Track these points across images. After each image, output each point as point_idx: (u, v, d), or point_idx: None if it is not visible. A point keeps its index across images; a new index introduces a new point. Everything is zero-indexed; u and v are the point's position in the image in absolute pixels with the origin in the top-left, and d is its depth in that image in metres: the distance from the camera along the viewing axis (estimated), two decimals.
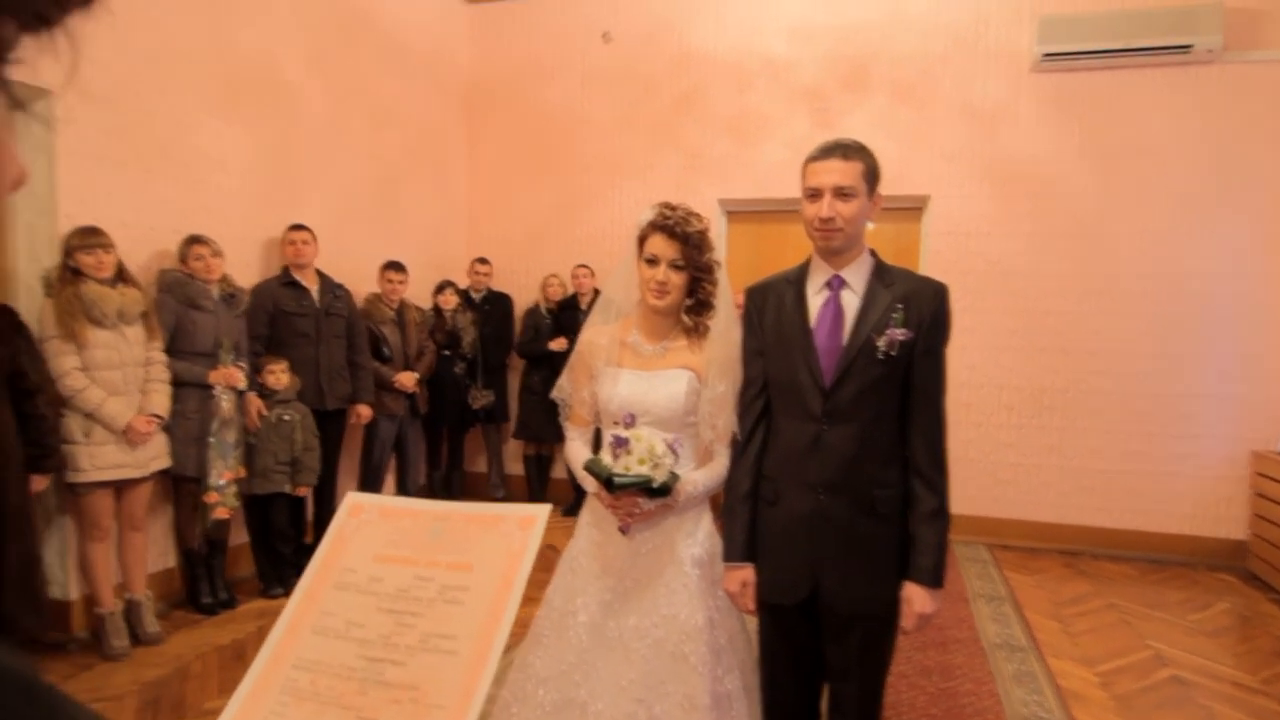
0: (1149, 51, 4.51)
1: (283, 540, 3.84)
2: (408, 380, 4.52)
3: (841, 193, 1.65)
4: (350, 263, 4.62)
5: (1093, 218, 4.82)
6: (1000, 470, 5.00)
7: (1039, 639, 3.55)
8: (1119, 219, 4.78)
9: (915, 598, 1.69)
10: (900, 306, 1.66)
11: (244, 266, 4.00)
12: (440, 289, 5.06)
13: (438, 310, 5.04)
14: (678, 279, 1.83)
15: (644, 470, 1.66)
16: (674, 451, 1.75)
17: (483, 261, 5.44)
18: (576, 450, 1.91)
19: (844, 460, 1.66)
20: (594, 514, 1.88)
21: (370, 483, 4.56)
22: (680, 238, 1.80)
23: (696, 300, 1.89)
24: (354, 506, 0.84)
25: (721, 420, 1.83)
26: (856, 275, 1.73)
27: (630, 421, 1.78)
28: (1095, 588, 4.27)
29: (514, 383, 5.60)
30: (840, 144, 1.68)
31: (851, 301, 1.71)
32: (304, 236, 4.04)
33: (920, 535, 1.69)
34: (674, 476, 1.71)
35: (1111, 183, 4.78)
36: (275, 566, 3.84)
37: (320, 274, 4.15)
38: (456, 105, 5.86)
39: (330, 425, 4.12)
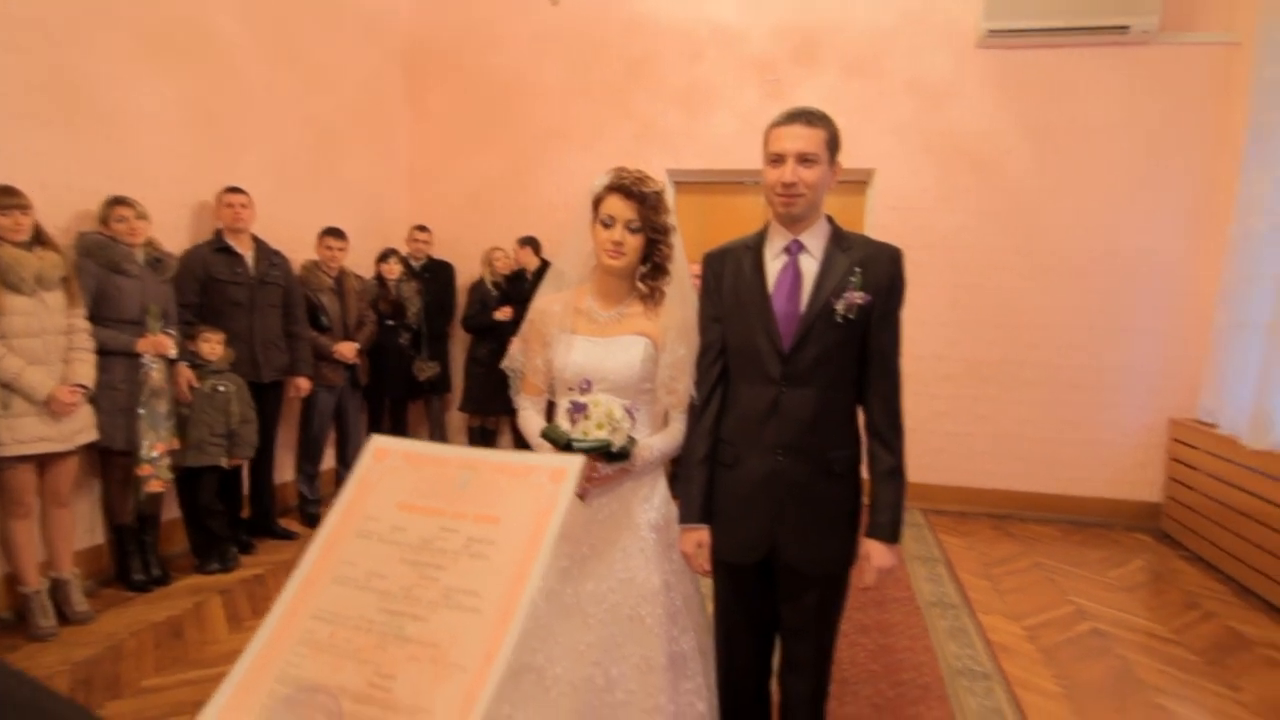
0: (1089, 31, 4.64)
1: (210, 516, 3.70)
2: (348, 350, 4.40)
3: (805, 159, 1.66)
4: (287, 229, 4.45)
5: (1032, 194, 4.96)
6: (935, 438, 5.18)
7: (970, 596, 3.71)
8: (1057, 196, 4.93)
9: (875, 553, 1.75)
10: (858, 270, 1.68)
11: (172, 230, 3.82)
12: (384, 257, 4.92)
13: (381, 279, 4.90)
14: (634, 240, 1.82)
15: (602, 435, 1.66)
16: (631, 416, 1.76)
17: (422, 229, 5.30)
18: (530, 419, 1.90)
19: (802, 423, 1.69)
20: None
21: (308, 455, 4.45)
22: (637, 198, 1.79)
23: (652, 264, 1.88)
24: (379, 451, 0.80)
25: (680, 385, 1.84)
26: (815, 240, 1.74)
27: (587, 387, 1.78)
28: (1022, 548, 4.48)
29: (456, 353, 5.52)
30: (804, 111, 1.69)
31: (810, 266, 1.73)
32: (241, 199, 3.86)
33: (879, 493, 1.75)
34: (632, 440, 1.71)
35: (1050, 160, 4.92)
36: (211, 542, 3.72)
37: (256, 240, 3.99)
38: (398, 66, 5.66)
39: (267, 397, 3.99)
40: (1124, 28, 4.57)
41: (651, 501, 1.85)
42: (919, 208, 5.09)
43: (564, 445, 1.65)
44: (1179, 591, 3.92)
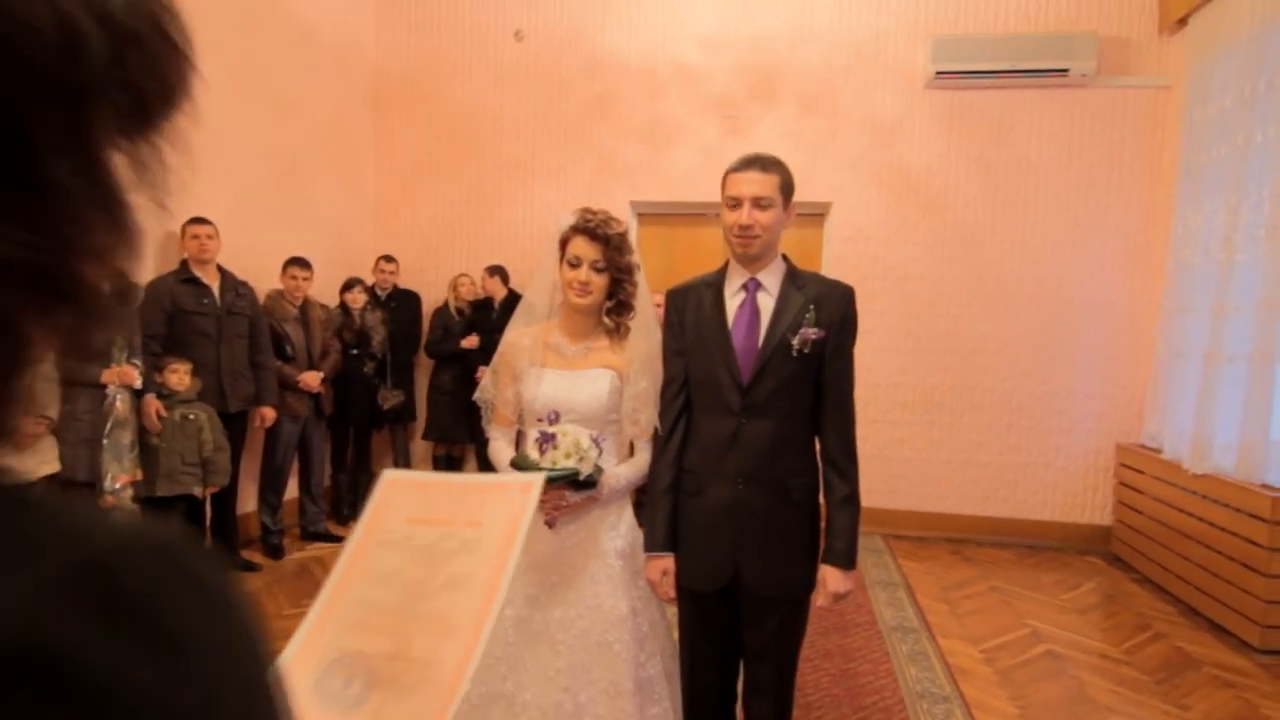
0: (1031, 74, 4.89)
1: None
2: (312, 380, 4.38)
3: (759, 203, 1.76)
4: (252, 259, 4.44)
5: (979, 228, 5.17)
6: (894, 465, 5.30)
7: (930, 620, 3.79)
8: (1002, 230, 5.14)
9: (830, 578, 1.82)
10: (812, 307, 1.78)
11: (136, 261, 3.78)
12: (348, 287, 4.93)
13: (345, 308, 4.90)
14: (599, 280, 1.89)
15: (570, 464, 1.71)
16: (597, 446, 1.81)
17: (389, 259, 5.32)
18: (501, 449, 1.94)
19: (761, 452, 1.77)
20: None
21: (272, 486, 4.39)
22: (601, 239, 1.86)
23: (617, 301, 1.95)
24: (390, 481, 1.01)
25: (644, 416, 1.90)
26: (771, 278, 1.84)
27: (555, 419, 1.83)
28: (979, 572, 4.59)
29: (421, 382, 5.52)
30: (759, 158, 1.79)
31: (767, 303, 1.82)
32: (208, 231, 3.85)
33: (834, 520, 1.83)
34: (599, 469, 1.77)
35: (996, 195, 5.14)
36: None
37: (222, 270, 3.98)
38: (364, 97, 5.71)
39: (233, 427, 3.95)
40: (1064, 71, 4.82)
41: (618, 529, 1.90)
42: (873, 239, 5.26)
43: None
44: (1130, 613, 4.05)
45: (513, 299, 4.90)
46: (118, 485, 3.24)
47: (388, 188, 5.86)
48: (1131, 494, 4.79)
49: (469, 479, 1.01)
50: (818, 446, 1.88)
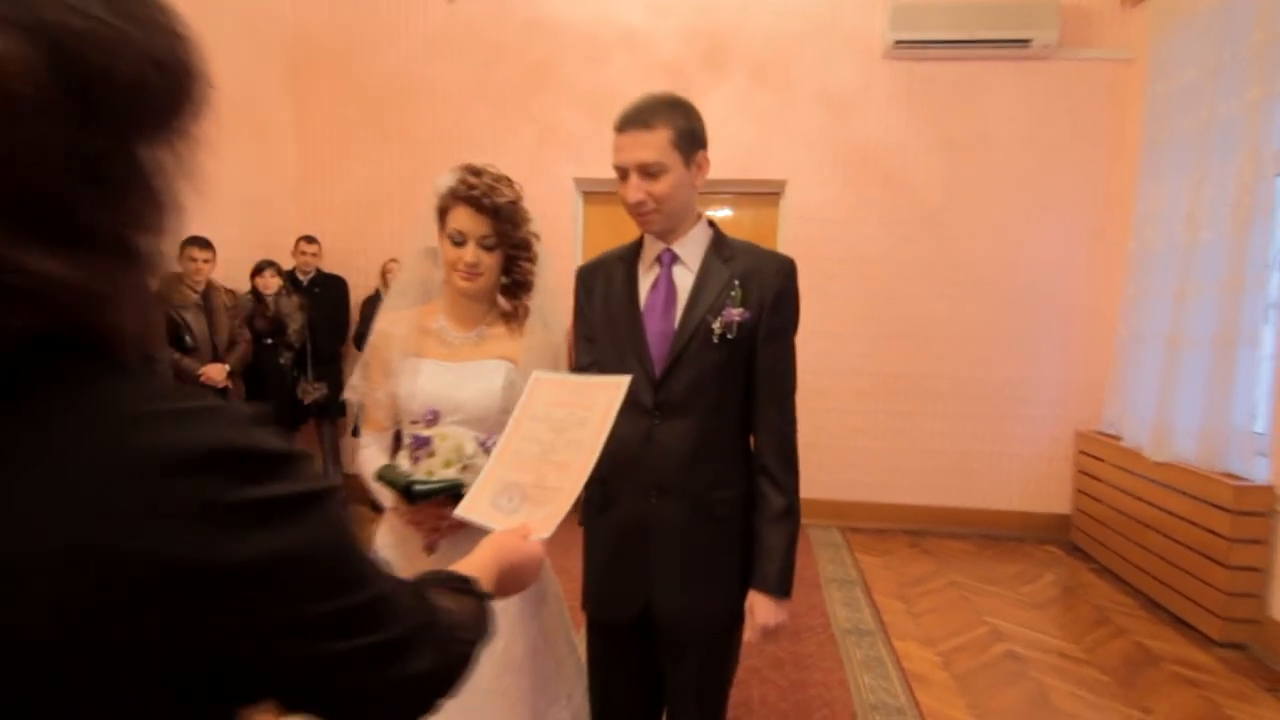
0: (992, 44, 4.65)
1: None
2: (217, 374, 3.98)
3: (648, 171, 1.43)
4: None
5: (938, 206, 4.94)
6: (851, 455, 5.08)
7: (886, 621, 3.58)
8: (962, 208, 4.93)
9: (759, 608, 1.51)
10: (737, 284, 1.47)
11: None
12: (259, 270, 4.51)
13: (257, 294, 4.49)
14: (490, 259, 1.58)
15: (450, 474, 1.39)
16: (487, 451, 1.50)
17: (309, 240, 4.91)
18: (370, 458, 1.62)
19: (679, 458, 1.47)
20: (394, 533, 1.59)
21: None
22: (490, 211, 1.54)
23: (513, 280, 1.64)
24: (537, 379, 1.32)
25: None
26: (690, 250, 1.53)
27: (433, 419, 1.51)
28: (938, 566, 4.40)
29: (351, 374, 5.13)
30: (640, 110, 1.44)
31: (685, 279, 1.52)
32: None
33: (766, 539, 1.52)
34: None
35: (956, 172, 4.91)
36: None
37: None
38: (281, 64, 5.26)
39: None
40: (1025, 41, 4.60)
41: None
42: (830, 219, 5.01)
43: (404, 488, 1.38)
44: (1089, 606, 3.89)
45: None
46: None
47: (311, 164, 5.42)
48: (1091, 482, 4.64)
49: (586, 379, 1.30)
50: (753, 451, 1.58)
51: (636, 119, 1.42)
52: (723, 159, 5.49)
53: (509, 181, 1.60)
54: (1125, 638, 3.53)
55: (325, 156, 5.41)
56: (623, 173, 1.45)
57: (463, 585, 0.81)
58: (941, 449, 5.04)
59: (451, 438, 1.42)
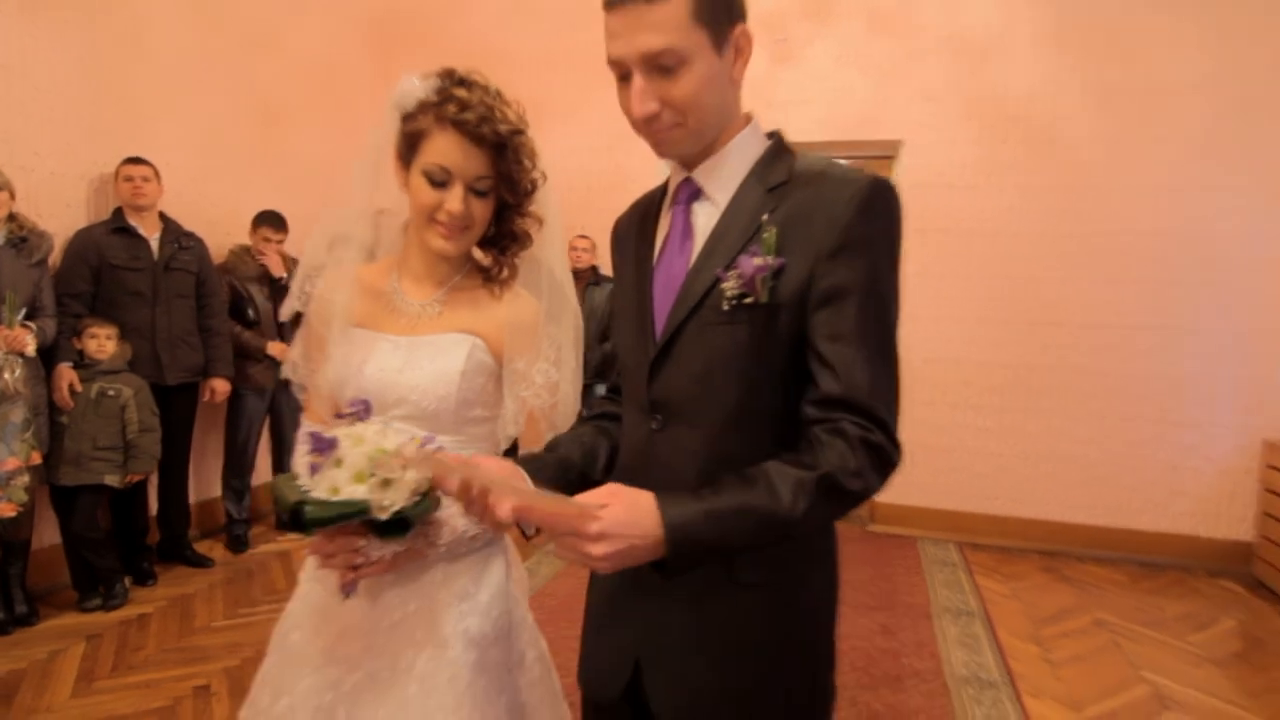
0: None
1: (87, 545, 3.09)
2: (281, 351, 3.80)
3: (659, 65, 0.90)
4: (217, 211, 3.92)
5: (1093, 170, 4.16)
6: (974, 459, 4.39)
7: (1014, 670, 2.93)
8: (1121, 169, 4.12)
9: (617, 511, 0.83)
10: (765, 219, 0.93)
11: (63, 207, 3.29)
12: (332, 245, 4.32)
13: None
14: (483, 209, 1.16)
15: (360, 493, 0.96)
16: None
17: (381, 213, 4.69)
18: (304, 457, 1.23)
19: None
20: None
21: (235, 469, 3.86)
22: (490, 144, 1.11)
23: (499, 230, 1.22)
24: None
25: (520, 415, 1.16)
26: (722, 176, 0.99)
27: (360, 412, 1.07)
28: (1080, 598, 3.67)
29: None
30: None
31: (708, 219, 1.00)
32: (143, 172, 3.31)
33: (764, 473, 0.86)
34: (424, 501, 1.00)
35: (1113, 127, 4.12)
36: (92, 574, 3.14)
37: (165, 219, 3.43)
38: (361, 35, 5.06)
39: (176, 402, 3.43)
40: None
41: (475, 599, 1.16)
42: (956, 185, 4.31)
43: (290, 509, 0.97)
44: None
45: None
46: (5, 470, 2.72)
47: None
48: None
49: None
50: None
51: None
52: (822, 119, 4.76)
53: (511, 105, 1.17)
54: None
55: None
56: (621, 70, 0.94)
57: None
58: (1087, 456, 4.26)
59: (369, 440, 0.98)
